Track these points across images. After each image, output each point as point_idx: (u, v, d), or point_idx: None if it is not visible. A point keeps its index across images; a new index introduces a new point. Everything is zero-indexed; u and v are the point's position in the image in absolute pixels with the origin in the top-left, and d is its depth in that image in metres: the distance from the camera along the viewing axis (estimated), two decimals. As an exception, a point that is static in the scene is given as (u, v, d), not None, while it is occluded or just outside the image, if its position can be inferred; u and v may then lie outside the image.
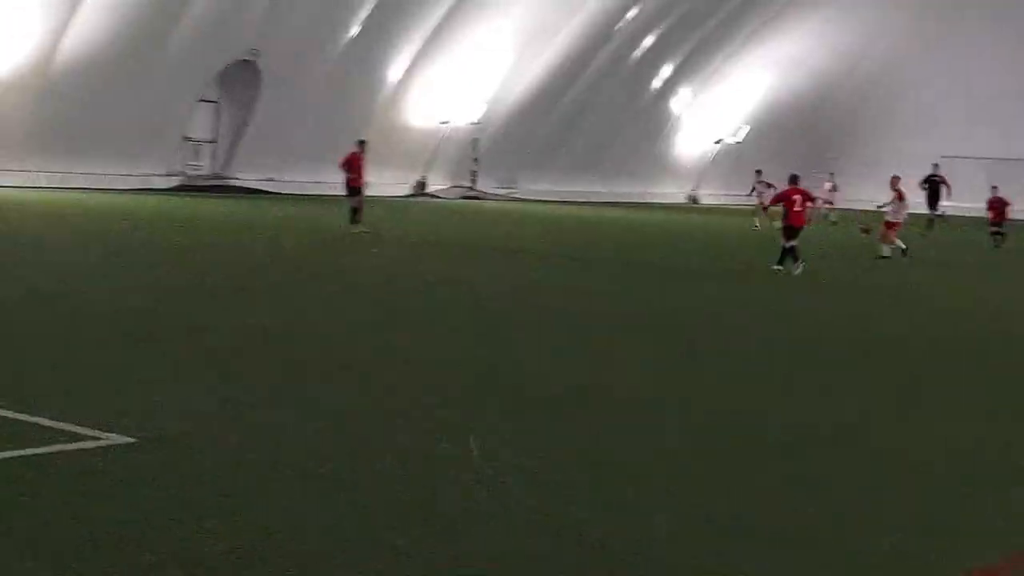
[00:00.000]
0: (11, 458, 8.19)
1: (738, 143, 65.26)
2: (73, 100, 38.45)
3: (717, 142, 65.60)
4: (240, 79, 43.59)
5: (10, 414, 9.42)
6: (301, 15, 42.94)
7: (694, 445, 9.90)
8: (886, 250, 30.58)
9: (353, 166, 30.92)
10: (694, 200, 63.45)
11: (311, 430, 9.86)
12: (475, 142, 54.02)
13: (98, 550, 6.41)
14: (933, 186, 46.15)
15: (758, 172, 45.41)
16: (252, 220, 33.58)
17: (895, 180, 32.50)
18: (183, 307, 16.98)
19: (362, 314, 17.61)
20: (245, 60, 42.84)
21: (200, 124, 44.28)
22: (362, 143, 30.89)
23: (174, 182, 42.36)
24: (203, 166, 44.29)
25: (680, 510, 7.77)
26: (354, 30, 45.37)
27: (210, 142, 44.52)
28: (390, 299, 19.40)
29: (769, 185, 42.70)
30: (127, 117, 39.69)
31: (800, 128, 65.89)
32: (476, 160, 54.66)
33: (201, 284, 19.82)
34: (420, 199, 51.27)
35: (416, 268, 23.97)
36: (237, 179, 44.20)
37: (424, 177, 53.13)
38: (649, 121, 61.30)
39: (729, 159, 65.25)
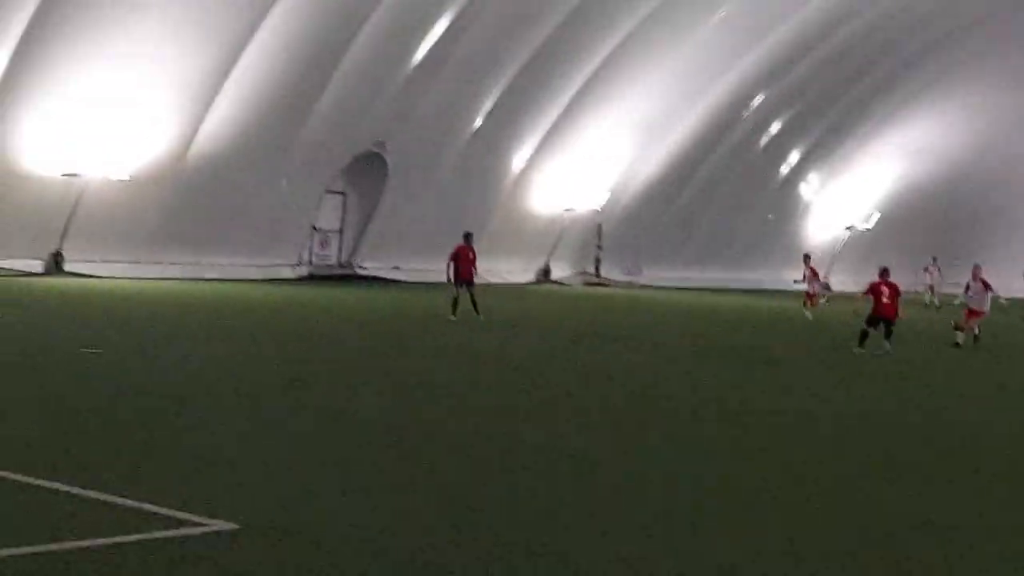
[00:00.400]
0: (112, 544, 8.20)
1: (868, 230, 64.61)
2: (206, 192, 39.31)
3: (848, 228, 65.05)
4: (367, 170, 44.16)
5: (114, 499, 9.46)
6: (427, 107, 43.36)
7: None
8: (960, 337, 30.39)
9: (461, 258, 31.31)
10: (827, 287, 62.96)
11: (425, 520, 9.74)
12: (599, 229, 53.79)
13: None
14: None
15: (806, 257, 43.79)
16: (377, 307, 34.05)
17: (977, 270, 32.18)
18: (310, 395, 17.11)
19: (484, 400, 17.63)
20: (371, 152, 43.46)
21: (327, 215, 44.90)
22: (468, 236, 31.29)
23: (302, 272, 43.10)
24: (330, 256, 45.05)
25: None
26: (478, 121, 45.74)
27: (337, 232, 45.22)
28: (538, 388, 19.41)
29: (815, 273, 41.73)
30: (257, 209, 40.70)
31: (930, 215, 65.00)
32: (600, 247, 54.45)
33: (320, 371, 20.03)
34: (544, 286, 51.26)
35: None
36: (363, 268, 44.83)
37: (548, 264, 53.14)
38: (777, 207, 61.05)
39: (860, 246, 64.48)
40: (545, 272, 53.12)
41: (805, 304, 40.09)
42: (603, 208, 53.01)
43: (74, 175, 36.39)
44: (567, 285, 52.44)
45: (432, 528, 9.59)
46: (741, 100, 54.58)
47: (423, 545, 9.01)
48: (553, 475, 11.99)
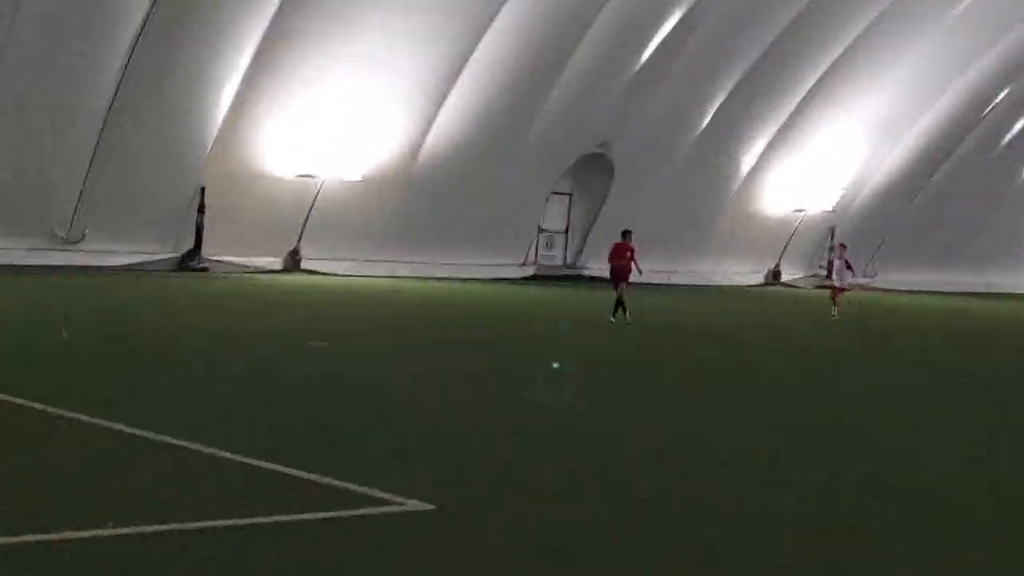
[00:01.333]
0: (319, 520, 8.56)
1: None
2: (434, 194, 40.18)
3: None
4: (592, 171, 44.43)
5: (325, 479, 9.79)
6: (653, 108, 43.49)
7: None
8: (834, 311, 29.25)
9: (617, 255, 30.32)
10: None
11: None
12: (832, 231, 52.85)
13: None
14: None
15: (840, 247, 40.36)
16: (593, 304, 33.36)
17: (841, 250, 32.96)
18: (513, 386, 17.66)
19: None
20: (597, 152, 43.67)
21: (553, 216, 45.37)
22: (626, 233, 30.36)
23: (527, 271, 43.67)
24: (556, 256, 45.46)
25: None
26: (706, 121, 45.54)
27: (563, 232, 45.58)
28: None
29: (849, 266, 36.91)
30: (484, 210, 41.31)
31: None
32: (832, 249, 52.94)
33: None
34: (773, 288, 50.77)
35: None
36: (588, 269, 44.89)
37: (778, 266, 52.63)
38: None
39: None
40: (775, 274, 52.55)
41: (833, 300, 35.58)
42: (836, 208, 52.22)
43: (310, 176, 37.81)
44: (796, 287, 51.78)
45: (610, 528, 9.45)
46: (983, 96, 52.66)
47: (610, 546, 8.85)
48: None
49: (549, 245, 44.58)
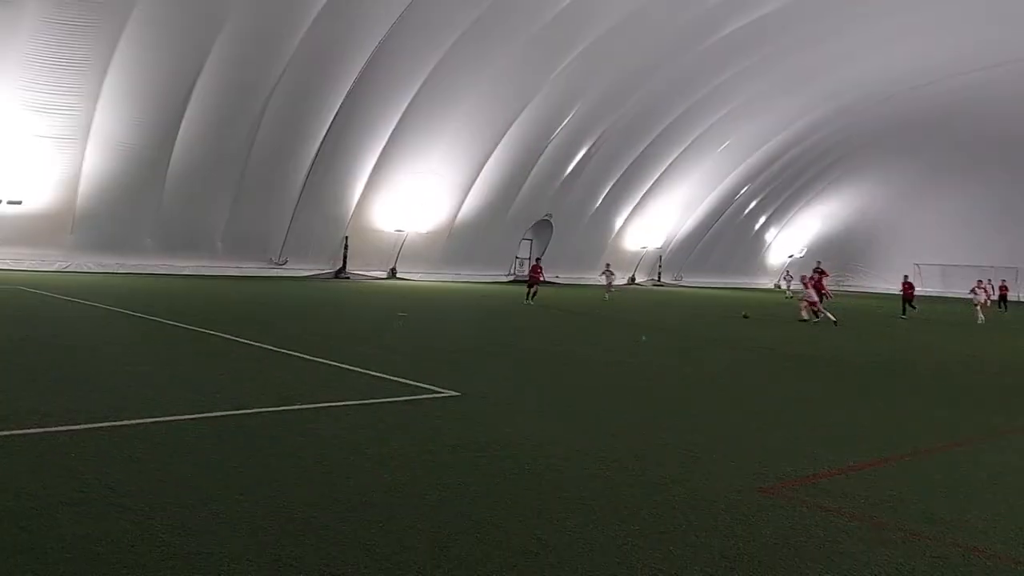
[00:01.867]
0: (395, 401, 8.50)
1: None
2: (468, 238, 40.08)
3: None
4: (543, 227, 43.79)
5: (398, 379, 9.86)
6: (572, 196, 43.22)
7: None
8: (805, 315, 24.55)
9: (535, 270, 29.23)
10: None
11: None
12: (660, 257, 51.47)
13: (453, 447, 6.68)
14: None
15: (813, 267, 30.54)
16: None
17: (804, 278, 26.91)
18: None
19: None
20: (545, 219, 43.16)
21: (523, 249, 44.50)
22: (538, 259, 28.08)
23: (510, 278, 42.61)
24: (524, 270, 43.72)
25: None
26: (598, 203, 45.02)
27: (527, 258, 44.00)
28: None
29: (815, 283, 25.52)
30: (489, 246, 41.33)
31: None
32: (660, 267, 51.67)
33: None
34: (634, 285, 47.60)
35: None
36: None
37: (634, 273, 50.00)
38: None
39: None
40: (632, 278, 49.54)
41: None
42: (662, 245, 50.81)
43: (400, 230, 38.27)
44: (644, 286, 47.88)
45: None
46: (738, 190, 51.87)
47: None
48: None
49: (521, 265, 43.94)
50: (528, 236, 44.84)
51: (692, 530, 4.94)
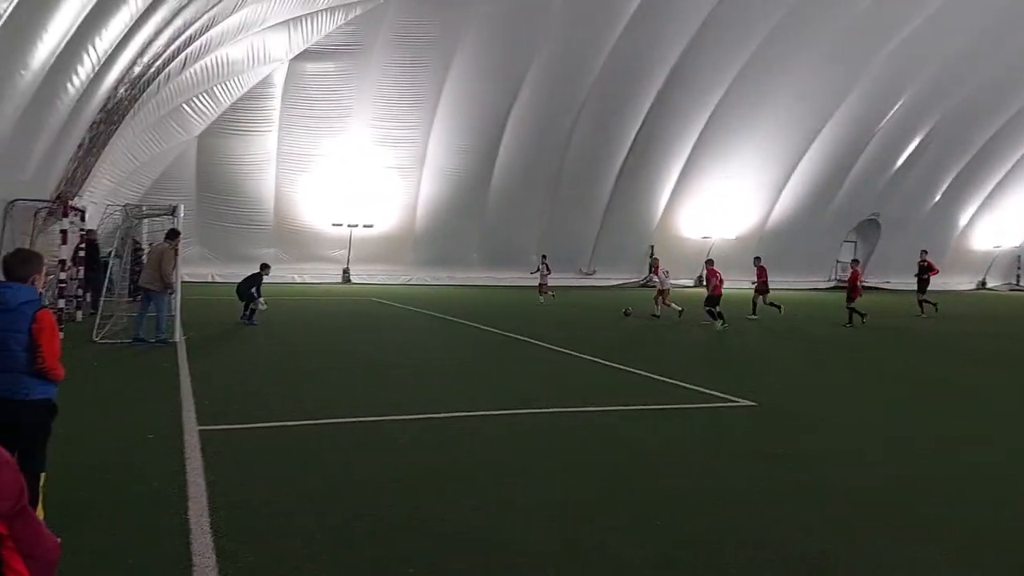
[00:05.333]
0: (680, 408, 8.69)
1: None
2: (781, 242, 37.46)
3: None
4: (868, 226, 41.42)
5: (682, 383, 10.20)
6: (906, 186, 40.16)
7: None
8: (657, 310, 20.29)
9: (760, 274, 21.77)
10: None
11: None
12: None
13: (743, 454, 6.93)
14: None
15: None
16: None
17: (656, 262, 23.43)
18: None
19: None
20: (871, 218, 41.38)
21: (845, 251, 41.62)
22: (757, 258, 22.36)
23: (832, 283, 40.51)
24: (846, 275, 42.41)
25: None
26: (941, 192, 41.42)
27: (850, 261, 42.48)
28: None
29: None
30: (806, 249, 39.20)
31: None
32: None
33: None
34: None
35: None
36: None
37: None
38: None
39: None
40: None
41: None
42: None
43: (707, 237, 37.97)
44: None
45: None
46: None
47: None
48: None
49: (843, 269, 40.50)
50: (851, 238, 42.01)
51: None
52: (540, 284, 26.16)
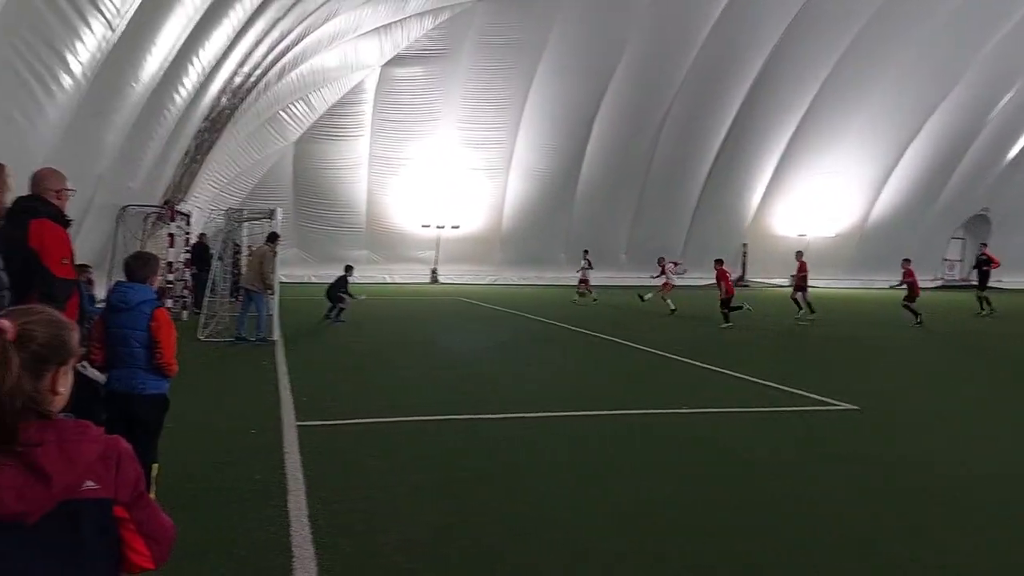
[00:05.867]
0: (784, 411, 8.43)
1: None
2: (883, 240, 36.81)
3: None
4: (976, 223, 39.65)
5: (781, 386, 9.80)
6: (1020, 182, 38.70)
7: None
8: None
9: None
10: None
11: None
12: None
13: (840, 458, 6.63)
14: None
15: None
16: None
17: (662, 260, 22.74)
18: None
19: None
20: (981, 213, 39.01)
21: (953, 249, 40.71)
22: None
23: (939, 283, 39.19)
24: (954, 274, 40.76)
25: None
26: None
27: (958, 261, 40.78)
28: None
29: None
30: (902, 243, 37.75)
31: None
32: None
33: None
34: None
35: None
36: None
37: None
38: None
39: None
40: None
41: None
42: None
43: (803, 235, 37.24)
44: None
45: None
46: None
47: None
48: None
49: (951, 267, 40.13)
50: (959, 235, 40.30)
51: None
52: (581, 281, 24.85)
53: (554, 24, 28.70)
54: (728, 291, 18.11)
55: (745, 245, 36.30)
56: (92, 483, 1.71)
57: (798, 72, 31.41)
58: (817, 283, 36.75)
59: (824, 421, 8.17)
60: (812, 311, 19.81)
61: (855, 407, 8.67)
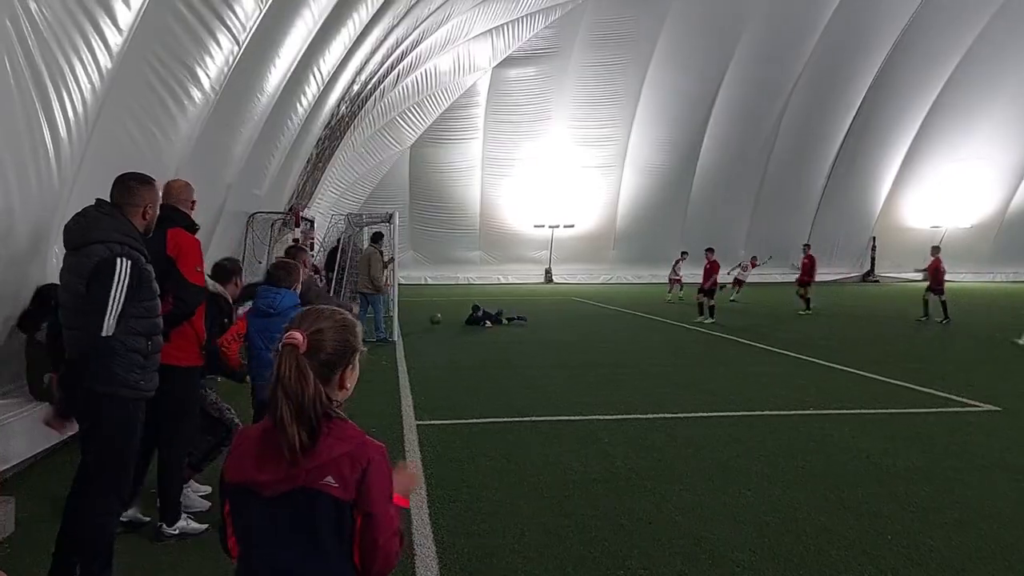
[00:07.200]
0: (918, 413, 8.03)
1: None
2: (1018, 229, 35.06)
3: None
4: None
5: (925, 389, 9.30)
6: None
7: None
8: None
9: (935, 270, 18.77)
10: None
11: None
12: None
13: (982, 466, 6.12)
14: None
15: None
16: None
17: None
18: None
19: None
20: None
21: None
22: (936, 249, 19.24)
23: None
24: None
25: None
26: None
27: None
28: None
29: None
30: None
31: None
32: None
33: None
34: None
35: None
36: None
37: None
38: None
39: None
40: None
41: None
42: None
43: (937, 226, 35.33)
44: None
45: None
46: None
47: None
48: None
49: None
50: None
51: None
52: (674, 279, 24.62)
53: (665, 15, 28.19)
54: (713, 283, 17.71)
55: (874, 239, 34.69)
56: (332, 480, 1.80)
57: (930, 53, 29.68)
58: (952, 278, 35.07)
59: (962, 423, 7.73)
60: (946, 315, 18.02)
61: (997, 408, 8.26)
